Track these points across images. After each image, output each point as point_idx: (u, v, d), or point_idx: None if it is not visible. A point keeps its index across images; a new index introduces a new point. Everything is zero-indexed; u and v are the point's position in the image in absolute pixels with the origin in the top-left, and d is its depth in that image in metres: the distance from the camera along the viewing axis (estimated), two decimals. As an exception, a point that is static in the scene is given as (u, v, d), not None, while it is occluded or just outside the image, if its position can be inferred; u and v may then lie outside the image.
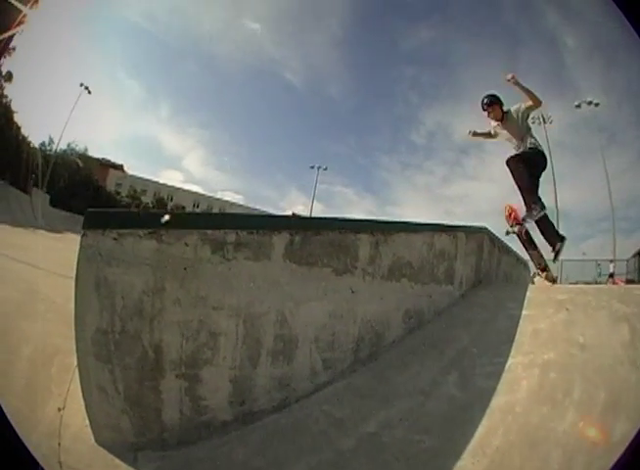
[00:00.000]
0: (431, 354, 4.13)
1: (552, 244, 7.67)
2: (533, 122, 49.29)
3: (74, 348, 3.32)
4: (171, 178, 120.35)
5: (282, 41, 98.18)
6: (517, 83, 7.37)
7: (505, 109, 7.97)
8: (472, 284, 6.44)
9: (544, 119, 45.17)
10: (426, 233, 5.09)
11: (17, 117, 37.35)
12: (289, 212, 75.47)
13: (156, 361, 3.08)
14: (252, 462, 2.99)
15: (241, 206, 69.93)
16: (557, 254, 7.63)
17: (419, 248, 4.88)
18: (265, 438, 3.20)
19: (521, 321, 4.56)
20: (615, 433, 2.65)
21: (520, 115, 7.71)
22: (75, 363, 4.11)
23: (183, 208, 62.37)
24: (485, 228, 7.70)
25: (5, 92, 36.05)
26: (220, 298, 3.23)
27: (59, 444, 3.05)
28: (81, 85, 51.38)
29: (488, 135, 8.38)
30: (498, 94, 8.03)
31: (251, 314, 3.34)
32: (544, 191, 7.96)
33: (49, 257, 12.59)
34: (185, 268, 3.13)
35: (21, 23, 32.81)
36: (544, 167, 7.83)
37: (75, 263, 3.08)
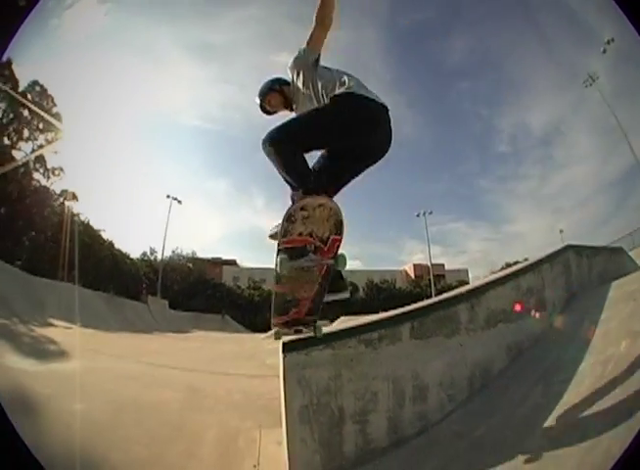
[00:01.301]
0: (525, 375, 4.92)
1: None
2: (586, 86, 45.19)
3: (251, 425, 5.58)
4: None
5: None
6: None
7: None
8: (565, 301, 6.87)
9: (592, 78, 43.25)
10: (511, 282, 5.83)
11: (104, 235, 37.62)
12: (409, 266, 72.98)
13: (340, 417, 4.60)
14: (402, 467, 4.25)
15: (362, 271, 68.00)
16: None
17: (508, 294, 5.66)
18: (411, 452, 4.45)
19: (599, 325, 5.26)
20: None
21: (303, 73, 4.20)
22: (258, 436, 5.74)
23: None
24: (568, 246, 7.95)
25: (78, 212, 36.31)
26: (375, 371, 4.76)
27: None
28: (168, 197, 52.28)
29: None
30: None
31: (395, 377, 4.81)
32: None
33: (190, 357, 14.28)
34: (351, 360, 4.75)
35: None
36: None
37: (281, 371, 4.68)
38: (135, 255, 49.46)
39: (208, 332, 34.02)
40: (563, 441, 3.19)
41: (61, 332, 12.56)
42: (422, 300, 7.77)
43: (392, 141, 4.07)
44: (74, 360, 9.64)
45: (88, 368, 9.32)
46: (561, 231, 64.52)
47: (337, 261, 4.05)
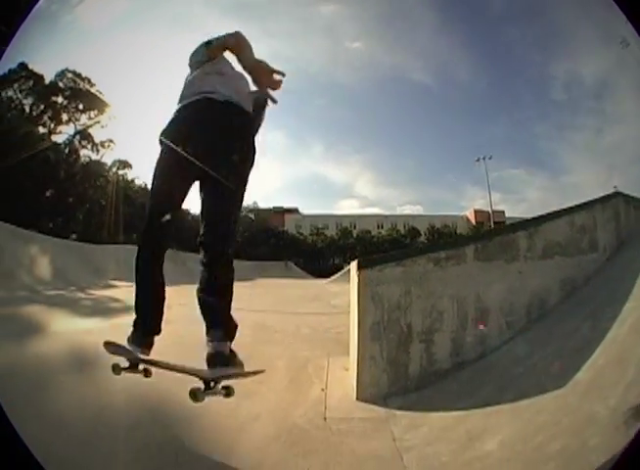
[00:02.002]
0: (576, 310, 4.97)
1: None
2: (622, 48, 44.24)
3: (321, 353, 6.00)
4: (349, 207, 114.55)
5: (390, 48, 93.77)
6: None
7: None
8: (615, 247, 6.69)
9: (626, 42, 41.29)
10: (566, 217, 5.86)
11: None
12: (470, 211, 70.65)
13: (408, 334, 4.86)
14: (461, 390, 4.33)
15: (423, 216, 67.21)
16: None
17: (563, 229, 5.71)
18: (470, 376, 4.60)
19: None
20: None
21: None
22: (326, 363, 5.99)
23: (368, 232, 60.27)
24: (618, 193, 7.72)
25: (133, 177, 36.94)
26: (442, 290, 4.94)
27: (325, 407, 4.37)
28: None
29: None
30: None
31: (460, 297, 4.97)
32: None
33: (256, 300, 14.36)
34: (420, 277, 4.97)
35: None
36: None
37: (356, 288, 4.89)
38: (196, 210, 49.48)
39: (273, 279, 34.31)
40: (607, 374, 3.29)
41: (122, 291, 12.57)
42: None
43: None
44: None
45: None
46: (615, 188, 61.75)
47: None
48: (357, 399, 4.61)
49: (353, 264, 5.19)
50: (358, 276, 4.87)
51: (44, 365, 4.74)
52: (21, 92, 31.80)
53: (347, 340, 5.95)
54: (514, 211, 69.64)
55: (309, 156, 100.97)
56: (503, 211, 66.15)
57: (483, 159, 59.11)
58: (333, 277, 32.71)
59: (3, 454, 1.77)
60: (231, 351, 2.95)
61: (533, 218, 5.86)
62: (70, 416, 3.68)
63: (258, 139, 3.26)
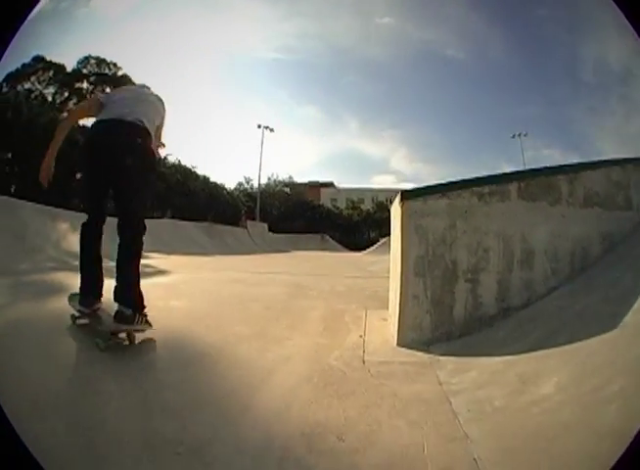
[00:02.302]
0: (616, 263, 4.73)
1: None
2: None
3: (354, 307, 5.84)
4: (385, 182, 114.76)
5: (420, 23, 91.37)
6: None
7: None
8: None
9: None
10: (603, 169, 5.49)
11: (198, 171, 37.69)
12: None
13: (453, 271, 4.55)
14: (508, 337, 4.04)
15: None
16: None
17: (600, 180, 5.34)
18: (517, 323, 4.29)
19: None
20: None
21: None
22: (364, 315, 5.83)
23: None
24: None
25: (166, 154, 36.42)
26: (487, 226, 4.66)
27: (363, 351, 4.19)
28: (260, 127, 51.54)
29: None
30: None
31: (505, 235, 4.67)
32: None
33: (292, 267, 14.76)
34: (465, 211, 4.67)
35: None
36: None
37: (400, 218, 4.65)
38: (232, 185, 50.52)
39: (309, 251, 34.33)
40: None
41: (155, 261, 12.45)
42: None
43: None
44: (172, 275, 9.84)
45: (187, 278, 9.56)
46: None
47: None
48: (398, 344, 4.41)
49: (396, 200, 5.01)
50: (402, 208, 4.69)
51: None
52: (40, 83, 32.31)
53: (384, 296, 5.91)
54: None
55: (345, 131, 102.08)
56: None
57: (519, 135, 57.60)
58: (369, 249, 32.28)
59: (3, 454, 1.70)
60: (136, 312, 3.81)
61: (572, 165, 5.52)
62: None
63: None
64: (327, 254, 32.12)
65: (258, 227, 42.20)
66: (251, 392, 3.18)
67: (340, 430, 2.61)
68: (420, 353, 4.13)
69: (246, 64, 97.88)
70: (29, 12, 2.49)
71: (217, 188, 39.33)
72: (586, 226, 5.02)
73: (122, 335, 3.90)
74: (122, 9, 73.87)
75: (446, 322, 4.48)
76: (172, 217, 29.67)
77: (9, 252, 9.33)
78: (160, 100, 4.58)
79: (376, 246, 32.12)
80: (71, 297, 4.33)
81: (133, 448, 2.30)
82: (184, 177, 33.64)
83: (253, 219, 44.18)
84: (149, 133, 4.10)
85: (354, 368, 3.73)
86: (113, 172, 3.86)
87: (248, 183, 56.90)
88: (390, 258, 5.46)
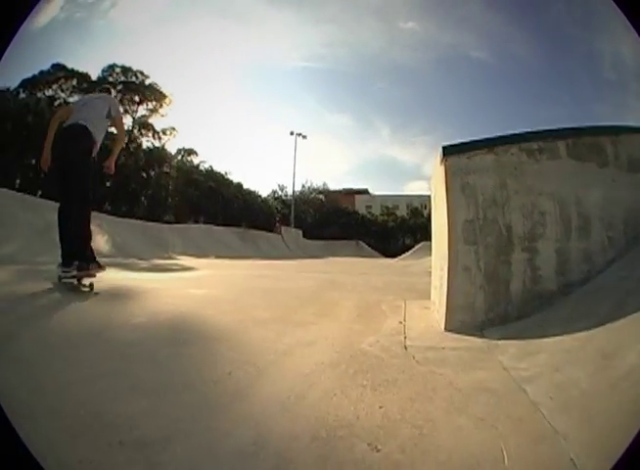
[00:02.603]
0: None
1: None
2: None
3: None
4: (418, 188, 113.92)
5: (443, 26, 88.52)
6: None
7: None
8: None
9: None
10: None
11: (231, 177, 37.93)
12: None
13: (508, 238, 3.93)
14: (572, 316, 3.39)
15: None
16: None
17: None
18: (579, 299, 3.65)
19: None
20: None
21: None
22: (403, 304, 5.30)
23: None
24: None
25: (199, 161, 36.83)
26: (540, 186, 4.08)
27: (404, 337, 3.63)
28: (292, 134, 50.43)
29: None
30: None
31: (560, 197, 4.08)
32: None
33: (328, 267, 14.47)
34: (515, 168, 4.12)
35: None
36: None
37: (444, 178, 4.15)
38: (266, 193, 50.60)
39: (344, 257, 33.45)
40: None
41: (184, 262, 12.60)
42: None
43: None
44: (198, 271, 9.63)
45: (213, 273, 9.29)
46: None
47: None
48: (446, 329, 3.80)
49: (436, 159, 4.54)
50: (444, 165, 4.16)
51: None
52: (63, 91, 32.01)
53: (423, 289, 5.73)
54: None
55: (377, 138, 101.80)
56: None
57: None
58: (404, 255, 31.66)
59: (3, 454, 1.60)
60: (90, 262, 5.10)
61: (610, 126, 4.91)
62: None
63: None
64: (362, 259, 31.68)
65: (293, 233, 42.11)
66: (253, 376, 2.54)
67: (373, 433, 1.84)
68: (473, 338, 3.51)
69: (276, 72, 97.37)
70: (29, 12, 2.44)
71: (251, 195, 39.57)
72: (636, 193, 4.44)
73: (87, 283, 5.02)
74: (144, 21, 74.49)
75: (502, 301, 3.85)
76: (206, 222, 29.54)
77: (29, 245, 9.83)
78: (105, 98, 5.88)
79: (411, 251, 31.51)
80: (58, 265, 5.22)
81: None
82: (217, 184, 33.76)
83: (288, 226, 44.12)
84: (89, 131, 5.27)
85: (394, 354, 3.06)
86: (65, 162, 5.16)
87: (282, 190, 56.44)
88: (433, 233, 5.03)
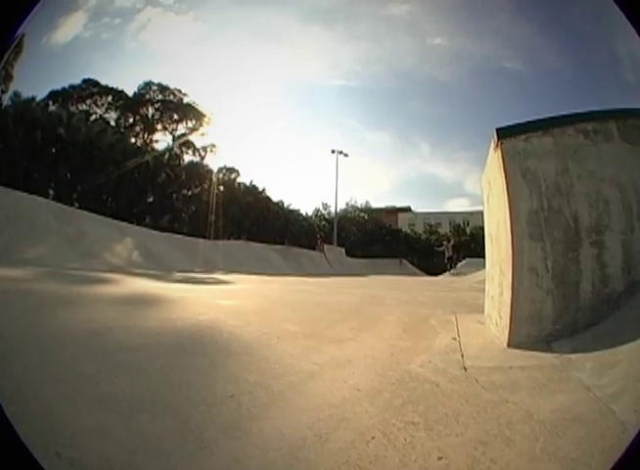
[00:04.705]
0: None
1: None
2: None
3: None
4: (460, 205, 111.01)
5: (474, 39, 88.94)
6: None
7: None
8: None
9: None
10: None
11: (273, 196, 37.78)
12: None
13: (575, 231, 3.43)
14: None
15: None
16: None
17: None
18: None
19: None
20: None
21: None
22: (454, 318, 4.76)
23: (482, 228, 58.64)
24: None
25: (241, 181, 36.55)
26: (601, 171, 3.62)
27: (462, 355, 3.14)
28: (333, 152, 49.02)
29: None
30: None
31: (620, 183, 3.57)
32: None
33: (370, 284, 13.83)
34: (575, 151, 3.61)
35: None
36: None
37: (501, 164, 3.68)
38: (309, 210, 50.51)
39: (387, 276, 33.58)
40: None
41: (221, 276, 12.03)
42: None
43: None
44: (232, 285, 9.20)
45: (247, 287, 8.86)
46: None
47: None
48: (509, 345, 3.29)
49: (490, 147, 4.07)
50: (501, 149, 3.70)
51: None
52: (98, 106, 32.81)
53: (473, 304, 5.39)
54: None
55: (417, 154, 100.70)
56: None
57: None
58: (448, 273, 31.14)
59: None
60: None
61: None
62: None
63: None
64: (406, 277, 31.20)
65: (335, 251, 41.30)
66: (261, 403, 2.03)
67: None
68: (542, 354, 3.03)
69: (313, 91, 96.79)
70: (27, 15, 2.30)
71: (293, 213, 39.59)
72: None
73: None
74: (175, 43, 76.02)
75: (572, 306, 3.31)
76: (248, 239, 29.54)
77: (58, 253, 9.78)
78: None
79: (456, 268, 30.18)
80: None
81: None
82: (256, 200, 33.92)
83: (331, 244, 43.47)
84: None
85: (453, 378, 2.53)
86: None
87: (325, 209, 55.12)
88: (487, 236, 4.77)
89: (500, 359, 3.02)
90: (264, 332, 3.62)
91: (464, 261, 30.99)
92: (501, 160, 3.69)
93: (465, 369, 2.75)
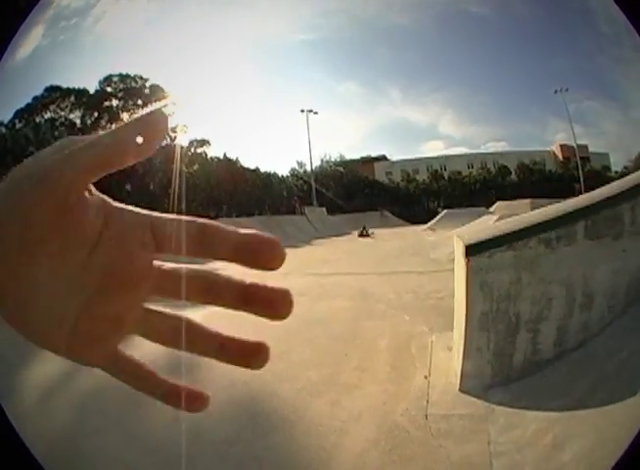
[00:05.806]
0: None
1: None
2: None
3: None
4: (435, 149, 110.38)
5: None
6: None
7: None
8: None
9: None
10: None
11: (247, 163, 37.73)
12: (556, 146, 65.27)
13: (515, 324, 4.40)
14: (561, 384, 4.01)
15: (510, 152, 63.35)
16: None
17: None
18: (569, 368, 4.22)
19: None
20: None
21: None
22: (429, 342, 5.65)
23: (459, 173, 57.81)
24: None
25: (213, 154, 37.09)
26: (552, 275, 4.48)
27: (427, 401, 4.13)
28: (303, 111, 50.61)
29: None
30: None
31: (570, 282, 4.50)
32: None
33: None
34: (531, 262, 4.44)
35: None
36: None
37: (464, 276, 4.46)
38: (284, 172, 50.17)
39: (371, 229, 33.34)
40: None
41: None
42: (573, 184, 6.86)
43: None
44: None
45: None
46: None
47: None
48: (460, 389, 4.41)
49: (459, 252, 4.79)
50: (467, 264, 4.50)
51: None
52: (62, 110, 32.88)
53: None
54: (595, 146, 65.27)
55: (388, 101, 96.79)
56: (586, 146, 62.09)
57: (560, 90, 55.02)
58: (429, 224, 31.63)
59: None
60: None
61: (635, 186, 4.99)
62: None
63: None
64: (389, 231, 32.07)
65: (317, 212, 41.39)
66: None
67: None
68: (478, 402, 4.13)
69: (274, 49, 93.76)
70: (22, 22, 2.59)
71: (269, 177, 39.56)
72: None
73: None
74: (133, 29, 74.17)
75: (505, 369, 4.43)
76: (228, 214, 29.95)
77: None
78: None
79: (435, 220, 31.74)
80: None
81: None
82: (232, 173, 33.81)
83: (310, 204, 43.64)
84: None
85: (418, 426, 3.73)
86: None
87: (301, 167, 55.22)
88: (455, 306, 5.25)
89: (450, 406, 4.08)
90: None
91: (443, 213, 32.18)
92: (466, 273, 4.47)
93: (426, 417, 3.84)
